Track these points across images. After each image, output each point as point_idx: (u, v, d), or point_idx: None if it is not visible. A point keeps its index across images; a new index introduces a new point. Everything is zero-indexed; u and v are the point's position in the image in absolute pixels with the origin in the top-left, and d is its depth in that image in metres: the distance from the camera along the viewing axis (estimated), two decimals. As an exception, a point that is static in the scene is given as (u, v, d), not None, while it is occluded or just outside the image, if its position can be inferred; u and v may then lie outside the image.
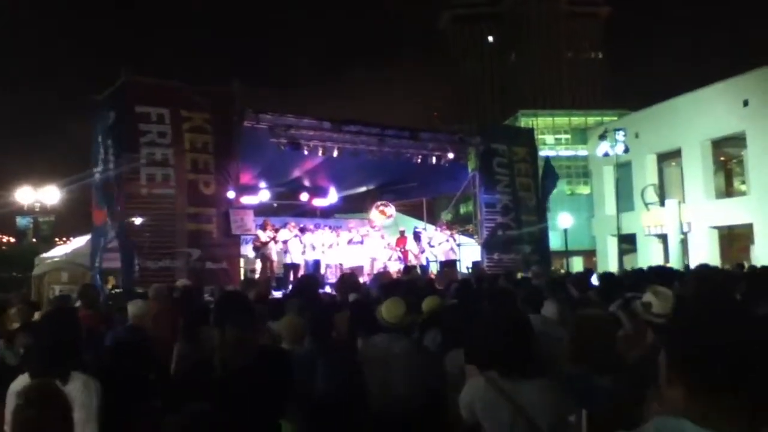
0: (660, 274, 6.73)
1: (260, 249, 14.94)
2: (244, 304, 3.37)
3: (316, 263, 15.62)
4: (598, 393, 3.10)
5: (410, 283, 8.57)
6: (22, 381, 3.07)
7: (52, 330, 3.26)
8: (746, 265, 18.86)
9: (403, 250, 17.37)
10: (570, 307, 5.16)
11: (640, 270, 8.50)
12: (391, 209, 19.57)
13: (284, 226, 15.85)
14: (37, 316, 6.53)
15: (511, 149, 17.20)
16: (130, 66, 12.12)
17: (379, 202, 19.39)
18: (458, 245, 17.74)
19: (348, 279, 12.25)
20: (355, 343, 4.68)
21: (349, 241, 17.08)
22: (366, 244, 17.15)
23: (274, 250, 15.12)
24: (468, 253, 17.71)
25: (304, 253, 15.62)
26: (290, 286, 13.27)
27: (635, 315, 4.04)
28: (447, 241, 17.71)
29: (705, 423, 1.31)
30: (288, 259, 15.33)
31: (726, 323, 1.37)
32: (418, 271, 15.77)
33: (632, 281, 6.78)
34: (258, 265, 15.17)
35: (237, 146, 12.79)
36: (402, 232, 17.84)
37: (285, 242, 15.23)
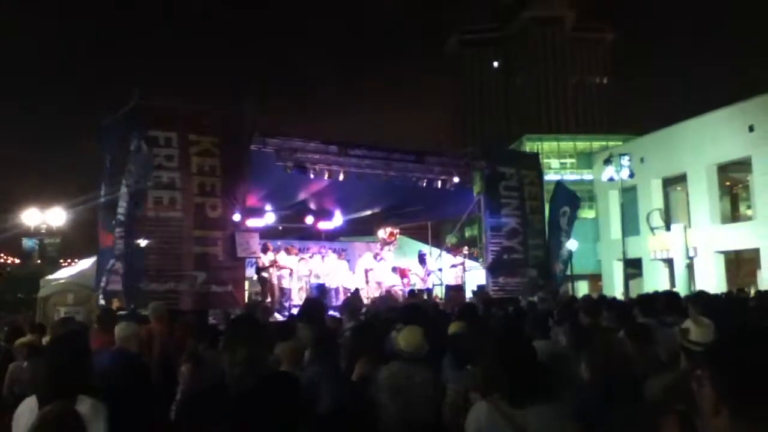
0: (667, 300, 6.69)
1: (260, 272, 15.04)
2: (254, 327, 3.38)
3: (321, 287, 15.63)
4: (620, 419, 3.08)
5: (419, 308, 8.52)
6: (29, 404, 3.07)
7: (59, 354, 3.26)
8: (752, 290, 18.79)
9: (405, 275, 17.45)
10: (581, 333, 5.13)
11: (647, 295, 8.46)
12: (395, 230, 19.69)
13: (283, 249, 16.02)
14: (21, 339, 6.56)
15: (520, 172, 17.23)
16: (140, 89, 12.23)
17: (386, 228, 19.48)
18: (464, 270, 17.74)
19: (353, 302, 12.27)
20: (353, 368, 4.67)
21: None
22: (370, 266, 17.30)
23: (274, 273, 15.19)
24: (473, 276, 17.68)
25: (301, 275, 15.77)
26: (287, 311, 13.33)
27: (645, 342, 4.04)
28: (456, 266, 17.78)
29: None
30: (285, 284, 15.40)
31: None
32: (425, 296, 15.76)
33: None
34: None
35: (244, 169, 12.84)
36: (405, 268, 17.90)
37: (282, 266, 15.39)
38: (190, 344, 4.63)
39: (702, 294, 9.22)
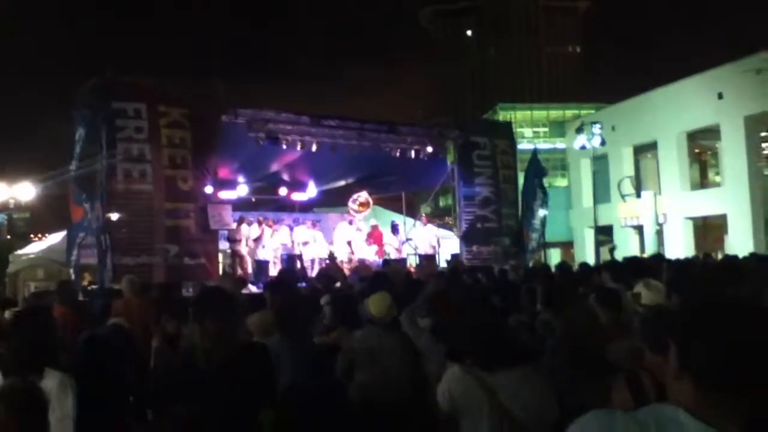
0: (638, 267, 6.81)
1: (232, 244, 14.96)
2: (224, 299, 3.37)
3: (290, 257, 15.59)
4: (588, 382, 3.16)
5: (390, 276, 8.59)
6: (-5, 379, 3.06)
7: (25, 329, 3.24)
8: (719, 255, 19.19)
9: (380, 244, 17.41)
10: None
11: (615, 261, 8.61)
12: (366, 197, 19.52)
13: (255, 221, 15.95)
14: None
15: (493, 141, 17.27)
16: (113, 64, 12.04)
17: (355, 195, 19.33)
18: (438, 244, 17.75)
19: (329, 272, 12.30)
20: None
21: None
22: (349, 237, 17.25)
23: (243, 246, 15.10)
24: (447, 245, 17.78)
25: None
26: (261, 282, 13.33)
27: (612, 307, 4.12)
28: (429, 233, 17.77)
29: (708, 416, 1.34)
30: (261, 255, 15.34)
31: (738, 320, 1.39)
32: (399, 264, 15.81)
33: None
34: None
35: (215, 141, 12.72)
36: (375, 227, 17.75)
37: (257, 239, 15.30)
38: (161, 319, 4.64)
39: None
